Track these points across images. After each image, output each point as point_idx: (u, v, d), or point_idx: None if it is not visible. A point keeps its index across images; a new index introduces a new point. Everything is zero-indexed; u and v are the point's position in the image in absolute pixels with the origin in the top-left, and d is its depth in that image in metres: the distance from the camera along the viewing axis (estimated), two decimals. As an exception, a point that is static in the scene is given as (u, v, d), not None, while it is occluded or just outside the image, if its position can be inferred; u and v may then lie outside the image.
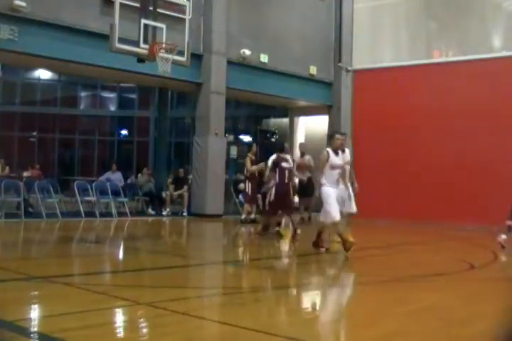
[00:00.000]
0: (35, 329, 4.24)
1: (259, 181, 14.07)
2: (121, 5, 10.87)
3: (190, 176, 15.80)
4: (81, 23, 12.97)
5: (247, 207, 13.94)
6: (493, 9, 15.12)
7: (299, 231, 10.97)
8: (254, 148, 14.06)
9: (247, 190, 13.81)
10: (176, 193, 15.49)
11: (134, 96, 25.20)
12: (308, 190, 14.49)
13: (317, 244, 8.90)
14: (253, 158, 13.71)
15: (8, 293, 5.44)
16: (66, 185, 15.94)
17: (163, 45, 11.10)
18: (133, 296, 5.39)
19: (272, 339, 4.10)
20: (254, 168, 13.59)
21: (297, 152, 19.68)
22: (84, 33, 12.96)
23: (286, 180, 11.05)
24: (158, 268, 7.41)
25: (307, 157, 14.30)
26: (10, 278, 6.17)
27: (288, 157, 11.29)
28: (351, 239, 8.43)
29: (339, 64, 17.88)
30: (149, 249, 9.59)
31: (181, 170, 15.99)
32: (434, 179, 14.42)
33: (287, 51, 17.17)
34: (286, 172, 11.07)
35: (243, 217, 13.84)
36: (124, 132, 25.74)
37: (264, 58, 16.63)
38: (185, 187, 15.46)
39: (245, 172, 13.90)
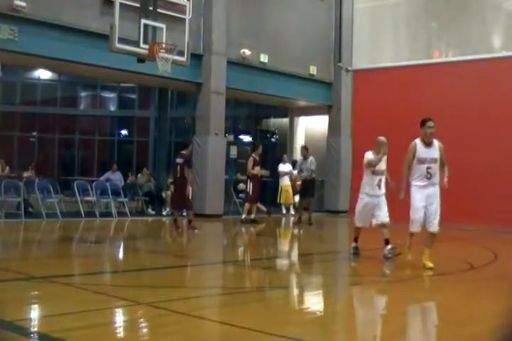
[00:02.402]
0: (35, 329, 4.24)
1: (260, 181, 14.10)
2: (121, 5, 10.87)
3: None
4: (81, 23, 12.96)
5: (247, 206, 13.94)
6: (493, 9, 15.10)
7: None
8: (260, 149, 13.92)
9: (248, 190, 13.82)
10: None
11: (134, 96, 25.14)
12: (310, 190, 14.46)
13: None
14: (257, 158, 13.67)
15: (8, 293, 5.44)
16: (66, 185, 15.92)
17: (163, 45, 11.10)
18: (133, 296, 5.39)
19: (272, 339, 4.11)
20: (256, 171, 13.58)
21: (298, 152, 19.75)
22: (84, 33, 12.94)
23: (178, 175, 11.50)
24: (158, 268, 7.42)
25: (310, 158, 14.11)
26: (10, 278, 6.18)
27: (185, 152, 11.77)
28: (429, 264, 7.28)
29: (339, 64, 17.86)
30: (149, 248, 9.59)
31: None
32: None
33: (287, 51, 17.16)
34: (178, 167, 11.49)
35: (243, 216, 13.84)
36: (124, 132, 25.71)
37: (264, 58, 16.61)
38: (186, 187, 15.45)
39: (247, 172, 13.92)
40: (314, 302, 5.86)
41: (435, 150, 7.40)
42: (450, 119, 14.57)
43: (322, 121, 19.12)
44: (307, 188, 14.13)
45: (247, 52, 16.07)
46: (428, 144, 7.44)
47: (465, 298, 5.75)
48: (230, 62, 15.65)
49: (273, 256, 9.60)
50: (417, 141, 7.50)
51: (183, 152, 11.86)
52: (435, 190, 7.42)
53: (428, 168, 7.33)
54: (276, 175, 16.87)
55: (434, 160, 7.34)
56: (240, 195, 16.59)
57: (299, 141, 19.89)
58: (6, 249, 9.08)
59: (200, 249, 10.09)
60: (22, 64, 17.00)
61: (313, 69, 18.00)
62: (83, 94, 25.35)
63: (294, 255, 9.94)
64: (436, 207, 7.41)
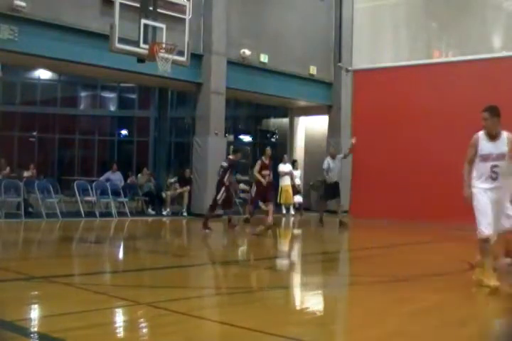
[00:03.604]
0: (35, 329, 4.24)
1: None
2: (121, 5, 10.89)
3: (192, 176, 15.80)
4: (81, 23, 12.97)
5: (248, 207, 13.54)
6: (493, 9, 15.09)
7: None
8: (269, 151, 12.97)
9: (250, 192, 13.25)
10: (182, 190, 15.43)
11: (134, 96, 25.17)
12: (337, 191, 13.81)
13: None
14: (266, 162, 12.63)
15: (8, 293, 5.43)
16: (66, 185, 15.92)
17: (163, 45, 11.11)
18: (133, 296, 5.39)
19: (272, 339, 4.10)
20: (260, 177, 12.43)
21: (298, 152, 19.75)
22: (84, 33, 12.95)
23: (219, 177, 11.63)
24: (158, 268, 7.41)
25: (339, 156, 13.74)
26: (10, 278, 6.17)
27: (232, 158, 11.83)
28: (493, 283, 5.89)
29: (339, 64, 17.87)
30: (149, 248, 9.59)
31: (187, 170, 15.88)
32: (434, 179, 14.40)
33: (287, 51, 17.17)
34: (221, 170, 11.65)
35: (245, 216, 13.60)
36: (124, 132, 25.73)
37: (264, 58, 16.62)
38: (188, 187, 15.43)
39: (254, 174, 13.15)
40: (314, 302, 5.86)
41: (503, 144, 6.02)
42: (450, 119, 14.57)
43: (322, 121, 19.13)
44: (335, 189, 13.61)
45: (247, 52, 16.07)
46: (493, 137, 6.07)
47: (465, 298, 5.75)
48: (230, 62, 15.65)
49: (273, 256, 9.60)
50: (481, 133, 6.22)
51: (230, 157, 11.86)
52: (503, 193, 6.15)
53: (493, 166, 6.01)
54: (276, 175, 16.86)
55: (500, 157, 6.01)
56: (241, 194, 16.58)
57: (299, 141, 19.90)
58: (6, 249, 9.08)
59: (200, 249, 10.09)
60: (22, 64, 17.01)
61: (313, 69, 18.01)
62: (83, 94, 25.36)
63: (294, 255, 9.94)
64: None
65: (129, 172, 18.43)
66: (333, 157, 13.65)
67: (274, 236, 12.85)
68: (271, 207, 12.54)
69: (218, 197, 11.48)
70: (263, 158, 12.96)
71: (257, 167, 12.68)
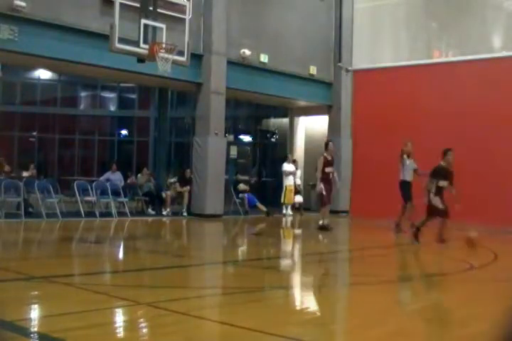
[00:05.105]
0: (35, 329, 4.24)
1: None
2: (121, 5, 10.88)
3: (192, 176, 15.80)
4: (81, 23, 12.96)
5: (324, 211, 12.42)
6: (493, 9, 15.11)
7: None
8: (332, 146, 12.28)
9: (323, 193, 12.21)
10: (182, 190, 15.43)
11: (134, 96, 25.15)
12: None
13: None
14: (329, 158, 12.12)
15: (8, 293, 5.44)
16: (66, 185, 15.91)
17: (163, 45, 11.11)
18: (133, 296, 5.39)
19: (272, 339, 4.11)
20: (324, 174, 11.87)
21: (298, 152, 19.74)
22: (84, 33, 12.94)
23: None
24: (158, 268, 7.42)
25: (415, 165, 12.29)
26: (10, 278, 6.17)
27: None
28: None
29: (339, 64, 17.87)
30: (149, 248, 9.59)
31: (188, 170, 15.87)
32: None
33: (287, 51, 17.16)
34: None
35: (320, 222, 12.43)
36: (124, 132, 25.72)
37: (264, 58, 16.61)
38: (188, 187, 15.43)
39: (317, 173, 12.41)
40: (314, 302, 5.86)
41: None
42: (450, 119, 14.58)
43: (322, 121, 19.12)
44: (411, 191, 12.05)
45: (247, 52, 16.06)
46: None
47: (465, 298, 5.75)
48: (230, 62, 15.64)
49: (273, 256, 9.60)
50: None
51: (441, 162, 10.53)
52: None
53: None
54: (277, 175, 16.86)
55: None
56: (240, 195, 16.57)
57: (299, 141, 19.89)
58: (6, 249, 9.08)
59: (200, 249, 10.09)
60: (22, 64, 17.00)
61: (313, 69, 18.00)
62: (83, 94, 25.34)
63: (294, 255, 9.94)
64: None
65: (128, 172, 18.40)
66: (409, 155, 12.14)
67: (274, 236, 12.86)
68: (327, 209, 12.25)
69: (435, 204, 10.08)
70: (325, 154, 12.26)
71: (320, 165, 12.01)
